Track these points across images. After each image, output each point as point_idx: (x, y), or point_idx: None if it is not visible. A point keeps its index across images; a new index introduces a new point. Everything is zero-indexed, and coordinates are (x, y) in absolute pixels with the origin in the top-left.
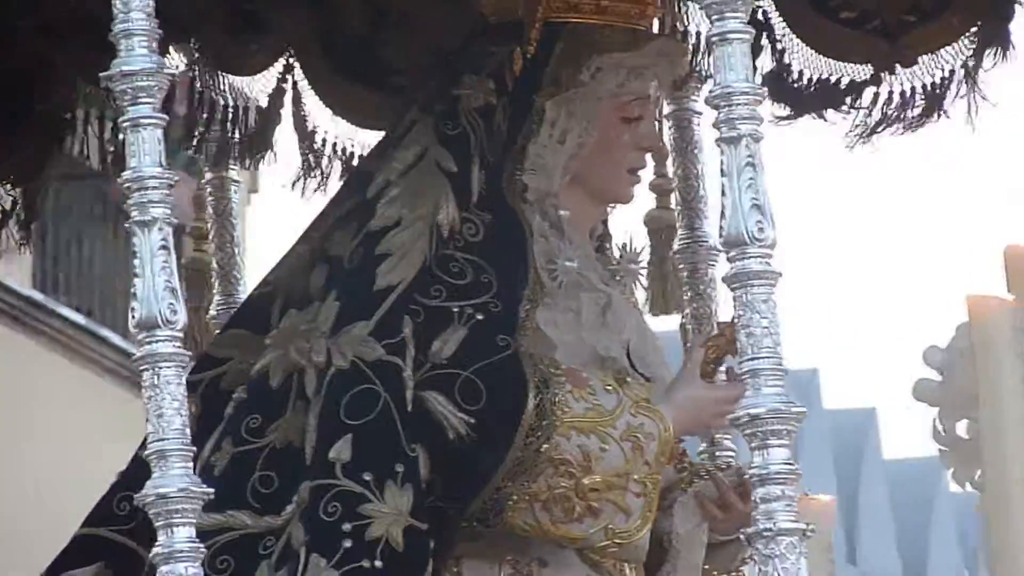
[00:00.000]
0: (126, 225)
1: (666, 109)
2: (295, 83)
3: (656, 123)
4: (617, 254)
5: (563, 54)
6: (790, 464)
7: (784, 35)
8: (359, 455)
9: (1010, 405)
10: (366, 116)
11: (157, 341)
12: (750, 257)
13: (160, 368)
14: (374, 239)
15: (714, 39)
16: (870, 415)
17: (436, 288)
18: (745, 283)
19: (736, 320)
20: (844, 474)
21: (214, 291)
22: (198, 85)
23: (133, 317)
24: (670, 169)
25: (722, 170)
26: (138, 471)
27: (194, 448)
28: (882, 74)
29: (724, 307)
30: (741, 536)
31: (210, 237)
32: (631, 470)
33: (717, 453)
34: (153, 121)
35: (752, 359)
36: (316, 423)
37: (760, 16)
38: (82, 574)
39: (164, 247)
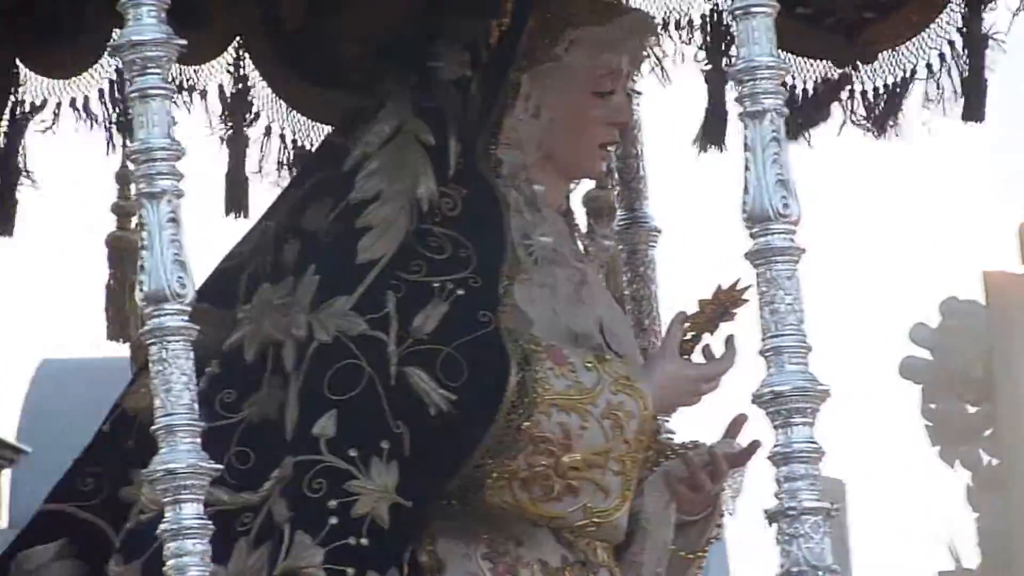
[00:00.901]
0: (133, 196)
1: None
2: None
3: (627, 98)
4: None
5: (537, 27)
6: (814, 443)
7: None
8: (344, 431)
9: None
10: (317, 112)
11: (165, 314)
12: (774, 233)
13: (168, 342)
14: (354, 212)
15: (738, 12)
16: None
17: (416, 263)
18: (769, 259)
19: (760, 296)
20: None
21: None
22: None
23: (141, 290)
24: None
25: (746, 144)
26: (102, 446)
27: (203, 423)
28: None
29: (664, 288)
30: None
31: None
32: (611, 448)
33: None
34: (162, 92)
35: (775, 336)
36: (298, 398)
37: (712, 13)
38: (45, 551)
39: (173, 219)
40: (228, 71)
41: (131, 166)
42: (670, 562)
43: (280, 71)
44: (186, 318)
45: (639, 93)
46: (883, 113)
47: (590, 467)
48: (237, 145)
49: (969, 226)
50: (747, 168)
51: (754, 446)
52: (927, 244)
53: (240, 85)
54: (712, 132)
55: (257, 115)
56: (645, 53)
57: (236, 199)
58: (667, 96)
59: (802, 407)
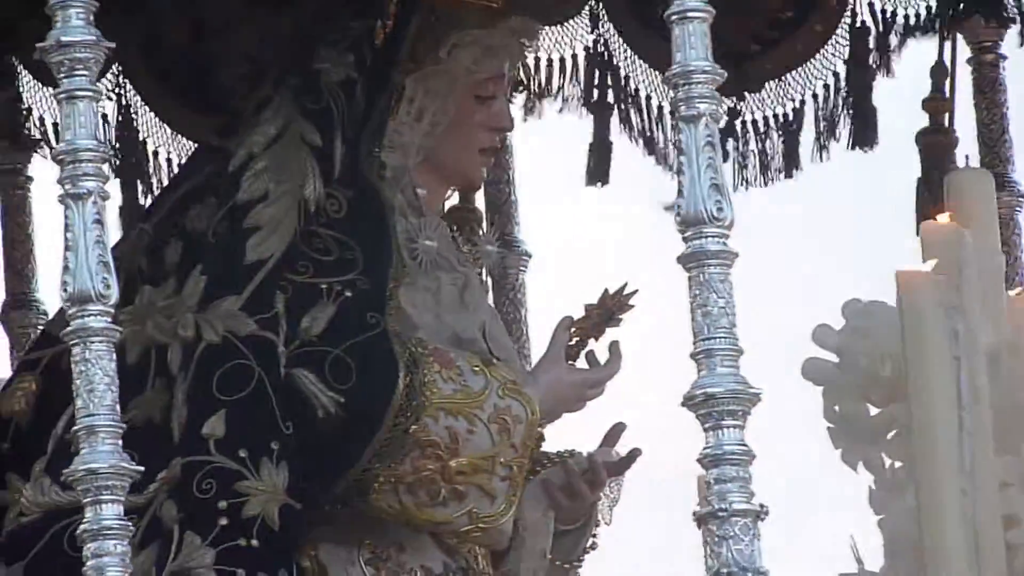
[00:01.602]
0: (58, 197)
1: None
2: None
3: (508, 103)
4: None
5: (420, 30)
6: (744, 445)
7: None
8: (233, 431)
9: (940, 383)
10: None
11: (89, 315)
12: (708, 237)
13: (91, 343)
14: (241, 212)
15: (673, 17)
16: None
17: (303, 264)
18: (702, 262)
19: (692, 299)
20: None
21: None
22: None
23: (65, 291)
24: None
25: (680, 149)
26: None
27: (123, 425)
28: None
29: (532, 313)
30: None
31: None
32: (498, 453)
33: None
34: (89, 94)
35: (707, 339)
36: (185, 399)
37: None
38: None
39: (98, 221)
40: (109, 97)
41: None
42: (547, 571)
43: (160, 95)
44: (109, 319)
45: (511, 101)
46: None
47: (477, 472)
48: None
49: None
50: (681, 172)
51: (634, 454)
52: (829, 247)
53: (124, 111)
54: (598, 167)
55: (144, 141)
56: (524, 57)
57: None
58: (540, 125)
59: (734, 410)
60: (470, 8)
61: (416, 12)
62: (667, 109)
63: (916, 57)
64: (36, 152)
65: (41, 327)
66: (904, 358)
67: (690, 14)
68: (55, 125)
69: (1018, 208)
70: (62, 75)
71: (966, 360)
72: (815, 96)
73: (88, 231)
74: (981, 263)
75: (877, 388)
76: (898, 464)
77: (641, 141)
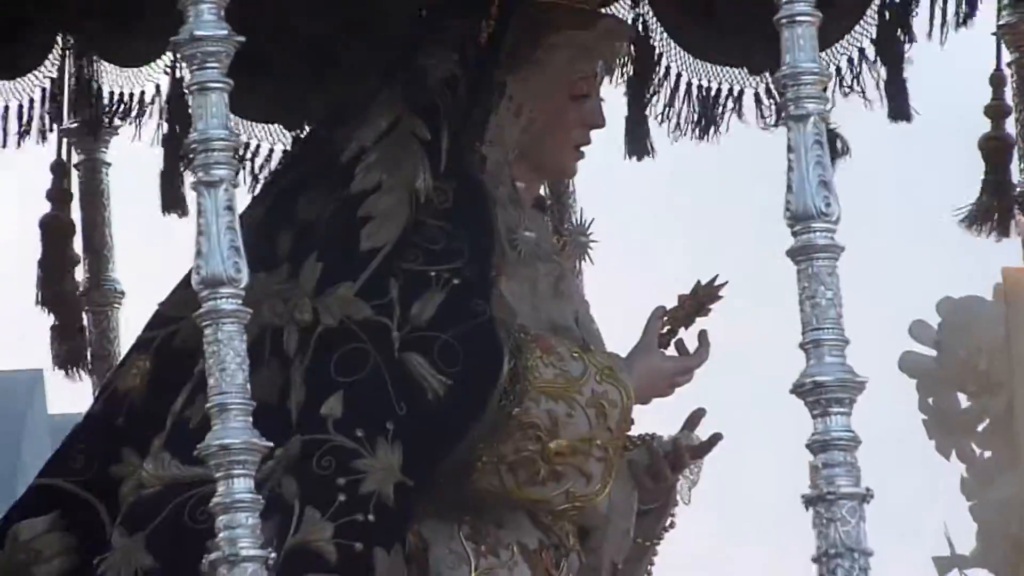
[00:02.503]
0: (191, 185)
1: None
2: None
3: (600, 101)
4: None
5: (519, 30)
6: (851, 431)
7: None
8: (351, 412)
9: None
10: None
11: (220, 298)
12: (816, 231)
13: (223, 324)
14: (355, 202)
15: (783, 20)
16: None
17: (414, 252)
18: (811, 256)
19: (801, 292)
20: None
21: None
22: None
23: (198, 274)
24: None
25: (789, 147)
26: (93, 425)
27: (253, 403)
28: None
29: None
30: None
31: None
32: (595, 436)
33: None
34: (220, 85)
35: (816, 329)
36: (303, 379)
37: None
38: (39, 523)
39: (229, 207)
40: (165, 72)
41: (191, 155)
42: (629, 549)
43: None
44: (240, 301)
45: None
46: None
47: (575, 453)
48: (171, 145)
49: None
50: (791, 169)
51: (715, 439)
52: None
53: (177, 87)
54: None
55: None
56: (619, 58)
57: (173, 198)
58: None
59: (841, 397)
60: (565, 9)
61: (516, 13)
62: (695, 84)
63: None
64: (115, 134)
65: (157, 306)
66: (1008, 353)
67: (799, 18)
68: (131, 96)
69: None
70: (194, 67)
71: None
72: (838, 69)
73: (220, 217)
74: None
75: (973, 381)
76: (988, 454)
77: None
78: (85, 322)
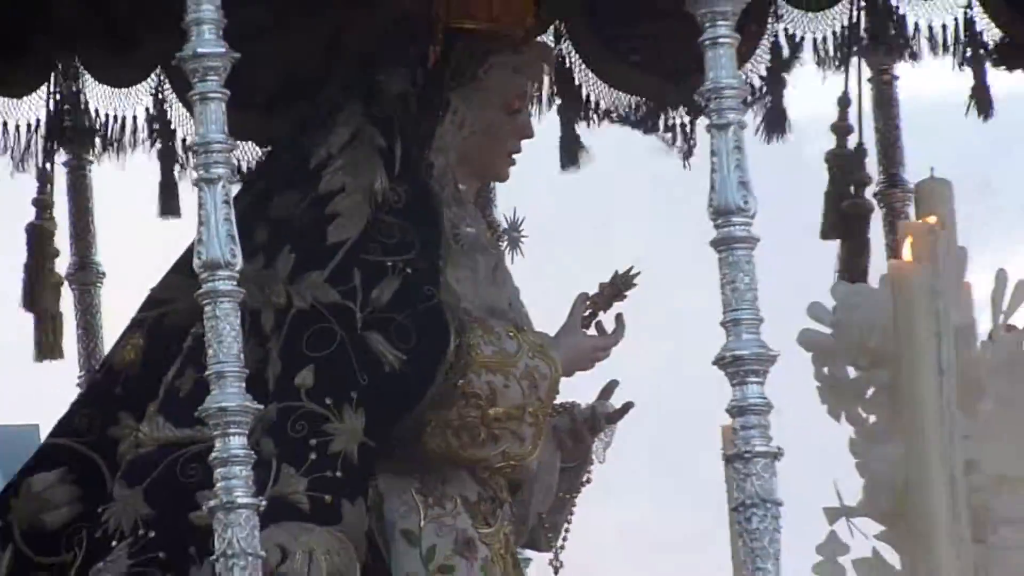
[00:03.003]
0: (193, 182)
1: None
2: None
3: (530, 115)
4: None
5: (462, 54)
6: (764, 398)
7: (582, 71)
8: (320, 382)
9: (925, 354)
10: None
11: (218, 280)
12: (735, 225)
13: (220, 302)
14: (323, 202)
15: (706, 43)
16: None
17: (373, 245)
18: (731, 246)
19: (722, 277)
20: None
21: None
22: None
23: (199, 258)
24: None
25: (712, 151)
26: (94, 392)
27: (247, 371)
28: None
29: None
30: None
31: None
32: (527, 404)
33: None
34: (219, 95)
35: (735, 310)
36: (279, 355)
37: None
38: (50, 476)
39: (226, 201)
40: (151, 94)
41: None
42: (553, 502)
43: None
44: (235, 283)
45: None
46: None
47: (510, 419)
48: (166, 157)
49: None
50: (714, 171)
51: (627, 406)
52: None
53: (161, 106)
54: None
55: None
56: (543, 77)
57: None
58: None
59: (756, 368)
60: (500, 38)
61: (459, 39)
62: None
63: None
64: (96, 139)
65: (149, 291)
66: (893, 331)
67: (720, 40)
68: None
69: (908, 201)
70: (196, 80)
71: (944, 336)
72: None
73: (218, 210)
74: (949, 255)
75: (863, 355)
76: (873, 418)
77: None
78: (72, 300)
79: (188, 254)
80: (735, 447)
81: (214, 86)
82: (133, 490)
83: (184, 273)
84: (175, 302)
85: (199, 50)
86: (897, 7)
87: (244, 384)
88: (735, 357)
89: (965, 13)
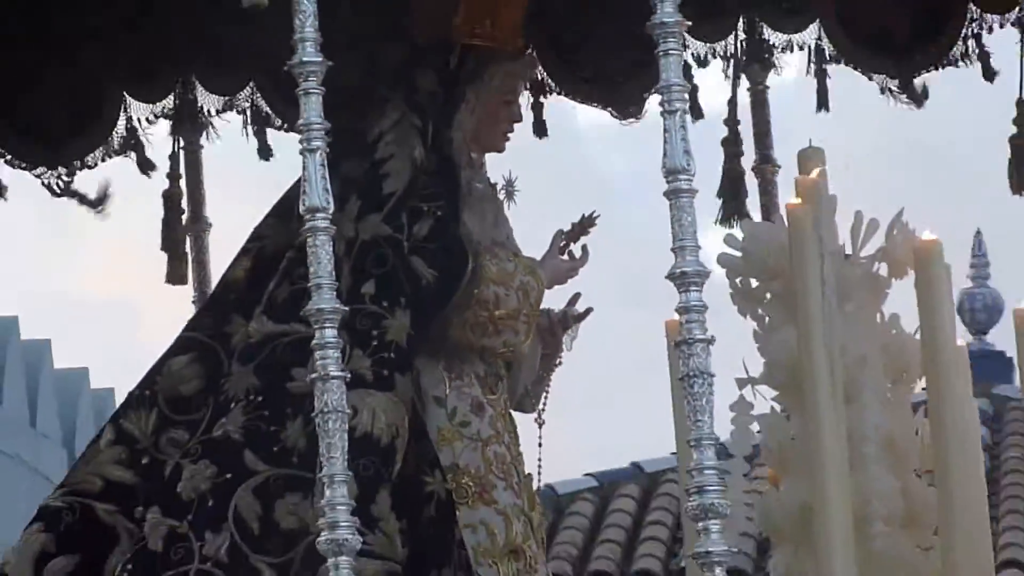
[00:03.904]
0: (300, 151)
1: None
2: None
3: (519, 105)
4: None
5: (473, 61)
6: (702, 301)
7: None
8: (379, 291)
9: (813, 277)
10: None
11: (317, 220)
12: (681, 180)
13: (319, 235)
14: (378, 165)
15: (659, 53)
16: None
17: (414, 195)
18: (679, 195)
19: (672, 216)
20: None
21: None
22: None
23: (303, 204)
24: None
25: (664, 129)
26: (214, 300)
27: (337, 283)
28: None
29: None
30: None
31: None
32: (521, 308)
33: None
34: (316, 91)
35: (681, 239)
36: (350, 273)
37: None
38: (184, 358)
39: (322, 164)
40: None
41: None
42: (535, 379)
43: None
44: (328, 222)
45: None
46: None
47: (509, 319)
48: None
49: None
50: (666, 142)
51: (588, 311)
52: None
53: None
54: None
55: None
56: (530, 79)
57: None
58: None
59: (696, 280)
60: (500, 51)
61: (471, 51)
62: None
63: None
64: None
65: (254, 228)
66: (787, 254)
67: (671, 51)
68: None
69: (776, 172)
70: (301, 80)
71: (824, 257)
72: None
73: (316, 171)
74: (824, 200)
75: (763, 271)
76: (768, 318)
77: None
78: (188, 247)
79: (279, 203)
80: (681, 335)
81: (314, 85)
82: (245, 367)
83: (278, 216)
84: (272, 236)
85: (304, 59)
86: (769, 39)
87: (335, 292)
88: (682, 272)
89: (817, 44)
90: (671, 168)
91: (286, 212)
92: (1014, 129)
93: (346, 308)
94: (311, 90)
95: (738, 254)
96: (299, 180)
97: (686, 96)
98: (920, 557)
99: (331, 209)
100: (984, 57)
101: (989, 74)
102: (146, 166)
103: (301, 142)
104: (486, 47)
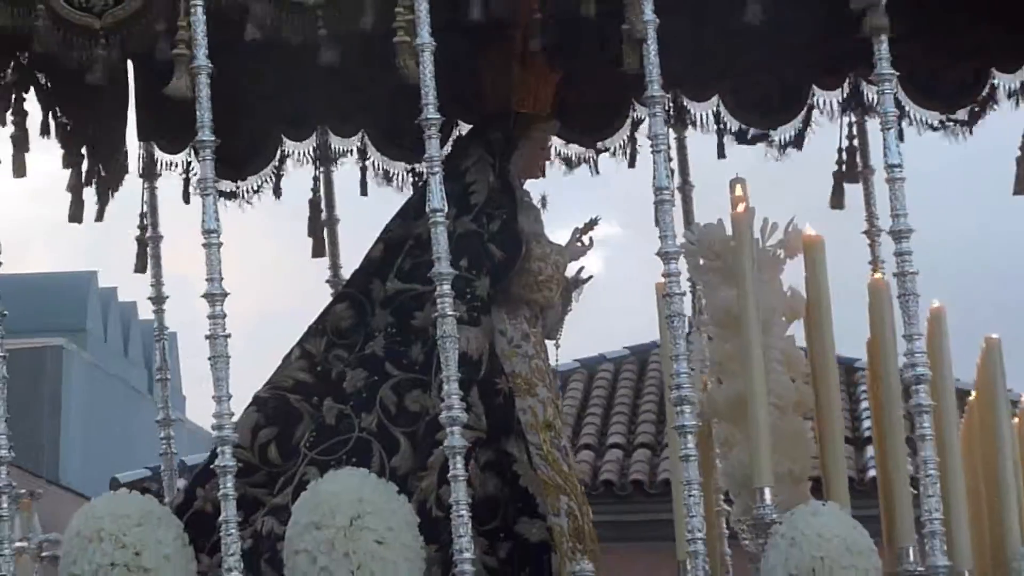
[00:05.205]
0: (424, 172)
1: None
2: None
3: (549, 153)
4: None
5: (521, 124)
6: (679, 270)
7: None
8: (470, 264)
9: (746, 253)
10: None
11: (437, 217)
12: (664, 192)
13: (438, 227)
14: (468, 186)
15: (645, 100)
16: None
17: (490, 205)
18: (662, 200)
19: (658, 221)
20: None
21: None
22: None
23: (428, 206)
24: None
25: (654, 161)
26: (358, 273)
27: (450, 256)
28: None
29: None
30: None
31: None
32: (555, 275)
33: None
34: (436, 137)
35: (661, 188)
36: (454, 252)
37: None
38: (342, 306)
39: (440, 181)
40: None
41: None
42: (557, 320)
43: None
44: (445, 219)
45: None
46: None
47: (548, 282)
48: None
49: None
50: (655, 169)
51: (590, 276)
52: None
53: (364, 151)
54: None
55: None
56: (553, 134)
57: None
58: None
59: (674, 256)
60: (537, 116)
61: (521, 117)
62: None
63: None
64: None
65: (386, 224)
66: (729, 243)
67: (655, 98)
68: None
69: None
70: (426, 128)
71: (754, 246)
72: None
73: (437, 185)
74: (751, 207)
75: (711, 254)
76: (711, 281)
77: None
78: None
79: (403, 207)
80: (666, 290)
81: (434, 132)
82: (384, 311)
83: (402, 216)
84: (396, 230)
85: (428, 116)
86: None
87: (449, 262)
88: (665, 252)
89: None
90: (658, 186)
91: (406, 213)
92: None
93: (455, 271)
94: (432, 136)
95: (693, 243)
96: (415, 192)
97: (668, 142)
98: (805, 425)
99: (444, 210)
100: None
101: None
102: (277, 192)
103: (425, 166)
104: (529, 113)
